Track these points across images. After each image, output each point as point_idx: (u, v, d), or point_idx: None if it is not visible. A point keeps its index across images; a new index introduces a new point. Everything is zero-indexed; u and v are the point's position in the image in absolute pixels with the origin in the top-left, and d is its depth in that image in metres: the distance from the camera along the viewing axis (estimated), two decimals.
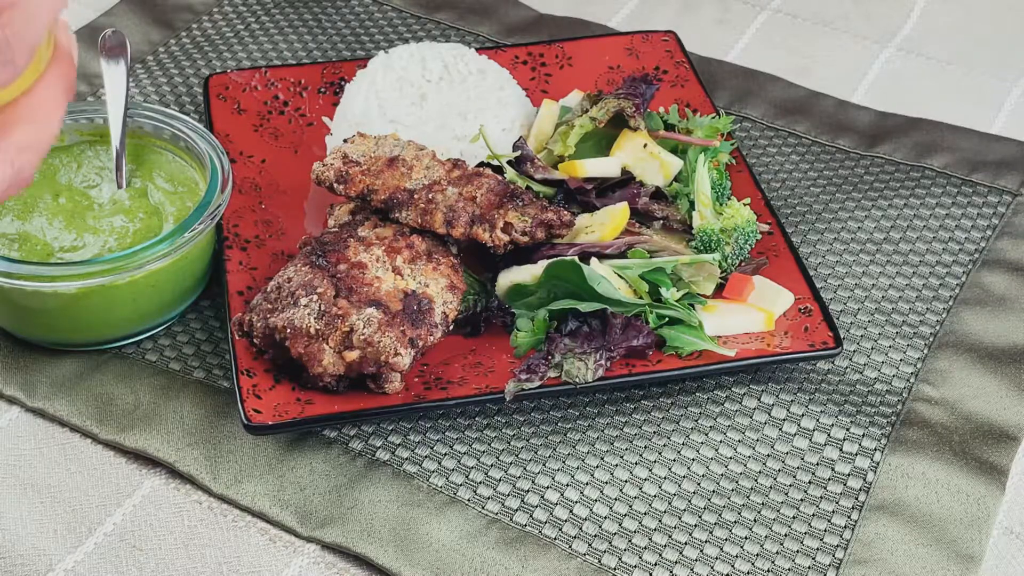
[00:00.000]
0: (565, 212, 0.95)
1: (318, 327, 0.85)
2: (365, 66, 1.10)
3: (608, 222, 0.95)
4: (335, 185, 0.94)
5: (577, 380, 0.86)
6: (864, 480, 0.85)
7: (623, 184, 1.01)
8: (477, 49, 1.14)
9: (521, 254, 0.94)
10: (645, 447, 0.87)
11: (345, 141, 0.99)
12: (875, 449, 0.87)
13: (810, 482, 0.85)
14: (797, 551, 0.81)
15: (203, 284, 0.97)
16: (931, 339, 0.95)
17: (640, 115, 1.02)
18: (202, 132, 0.98)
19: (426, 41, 1.23)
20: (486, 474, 0.85)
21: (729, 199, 0.99)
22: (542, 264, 0.91)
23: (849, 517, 0.83)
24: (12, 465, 0.86)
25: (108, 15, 1.28)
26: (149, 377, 0.91)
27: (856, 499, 0.84)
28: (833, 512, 0.83)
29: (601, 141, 1.04)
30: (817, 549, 0.81)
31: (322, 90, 1.14)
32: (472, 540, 0.81)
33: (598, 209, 0.98)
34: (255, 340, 0.88)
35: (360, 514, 0.82)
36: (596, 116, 1.04)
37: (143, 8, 1.29)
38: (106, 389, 0.90)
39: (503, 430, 0.88)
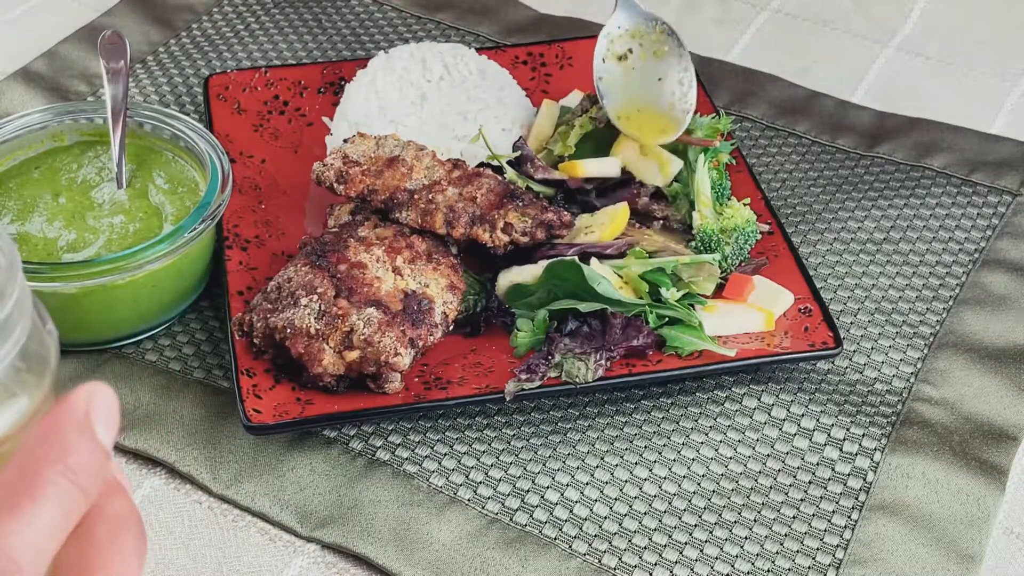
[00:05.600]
0: (565, 212, 0.95)
1: (318, 327, 0.85)
2: (365, 66, 1.10)
3: (608, 222, 0.95)
4: (335, 185, 0.94)
5: (577, 380, 0.86)
6: (864, 480, 0.85)
7: (623, 184, 1.01)
8: (477, 49, 1.14)
9: (521, 254, 0.94)
10: (645, 447, 0.87)
11: (345, 141, 0.99)
12: (875, 449, 0.87)
13: (810, 482, 0.85)
14: (797, 551, 0.81)
15: (203, 284, 0.97)
16: (931, 339, 0.95)
17: None
18: (202, 132, 0.98)
19: (426, 41, 1.23)
20: (486, 474, 0.85)
21: (729, 199, 0.99)
22: (542, 264, 0.91)
23: (849, 517, 0.83)
24: None
25: (108, 15, 1.28)
26: (149, 377, 0.91)
27: (856, 499, 0.84)
28: (833, 512, 0.83)
29: (601, 141, 1.04)
30: (817, 549, 0.81)
31: (322, 90, 1.14)
32: (472, 540, 0.81)
33: (598, 209, 0.98)
34: (255, 340, 0.88)
35: (360, 514, 0.82)
36: (596, 116, 1.04)
37: (143, 8, 1.29)
38: None
39: (503, 430, 0.88)
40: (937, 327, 0.96)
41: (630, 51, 1.02)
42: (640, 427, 0.88)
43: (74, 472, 0.39)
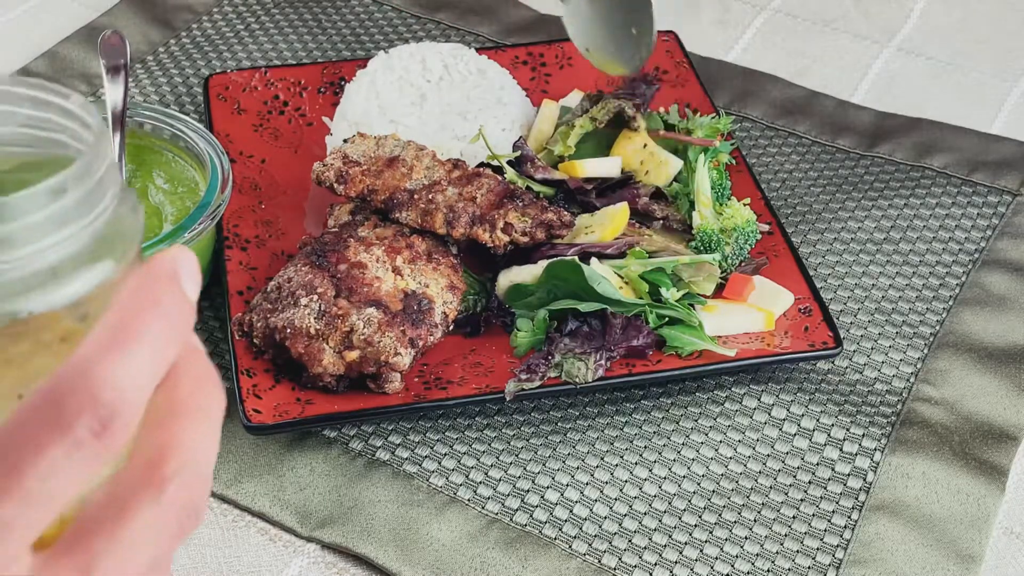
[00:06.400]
0: (565, 212, 0.95)
1: (318, 327, 0.85)
2: (365, 66, 1.10)
3: (608, 222, 0.95)
4: (335, 185, 0.94)
5: (577, 380, 0.86)
6: (864, 480, 0.85)
7: (623, 184, 1.01)
8: (477, 49, 1.14)
9: (521, 254, 0.94)
10: (645, 447, 0.87)
11: (345, 141, 0.99)
12: (875, 449, 0.87)
13: (810, 482, 0.85)
14: (797, 551, 0.81)
15: (203, 284, 0.97)
16: (931, 339, 0.95)
17: (640, 115, 1.03)
18: (202, 132, 0.98)
19: (426, 41, 1.23)
20: (486, 474, 0.85)
21: (729, 199, 0.99)
22: (542, 264, 0.91)
23: (849, 517, 0.83)
24: None
25: (108, 15, 1.28)
26: None
27: (856, 499, 0.84)
28: (833, 512, 0.83)
29: (601, 141, 1.04)
30: (817, 549, 0.81)
31: (322, 90, 1.14)
32: (472, 540, 0.81)
33: (598, 209, 0.98)
34: (255, 340, 0.88)
35: (360, 514, 0.82)
36: (596, 116, 1.04)
37: (143, 8, 1.29)
38: None
39: (503, 430, 0.88)
40: (937, 327, 0.96)
41: None
42: (640, 427, 0.88)
43: (167, 319, 0.41)
